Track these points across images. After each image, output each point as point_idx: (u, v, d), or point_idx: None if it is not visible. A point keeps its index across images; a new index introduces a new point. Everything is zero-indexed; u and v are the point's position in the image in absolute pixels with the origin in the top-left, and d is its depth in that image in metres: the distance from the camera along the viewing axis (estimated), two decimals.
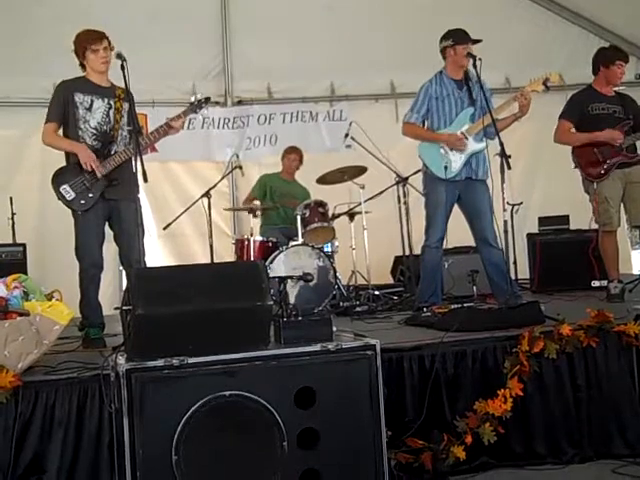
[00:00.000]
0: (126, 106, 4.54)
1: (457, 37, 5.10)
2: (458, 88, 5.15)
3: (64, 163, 4.56)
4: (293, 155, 7.23)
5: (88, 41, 4.43)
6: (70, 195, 4.41)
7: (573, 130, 5.56)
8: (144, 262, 4.17)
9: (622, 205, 5.49)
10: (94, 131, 4.49)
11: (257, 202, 7.02)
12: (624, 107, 5.49)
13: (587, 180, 5.51)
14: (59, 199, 4.44)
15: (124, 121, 4.56)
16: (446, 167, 5.05)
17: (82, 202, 4.41)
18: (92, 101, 4.49)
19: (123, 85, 4.24)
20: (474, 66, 4.83)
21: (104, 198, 4.46)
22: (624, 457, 3.69)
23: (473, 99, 5.09)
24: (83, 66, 4.56)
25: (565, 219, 6.84)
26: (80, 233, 4.46)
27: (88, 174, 4.41)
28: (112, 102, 4.53)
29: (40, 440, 3.20)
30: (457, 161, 5.07)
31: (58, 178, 4.46)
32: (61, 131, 4.55)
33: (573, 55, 7.70)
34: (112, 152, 4.49)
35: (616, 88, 5.64)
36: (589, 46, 7.29)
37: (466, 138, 5.05)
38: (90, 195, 4.42)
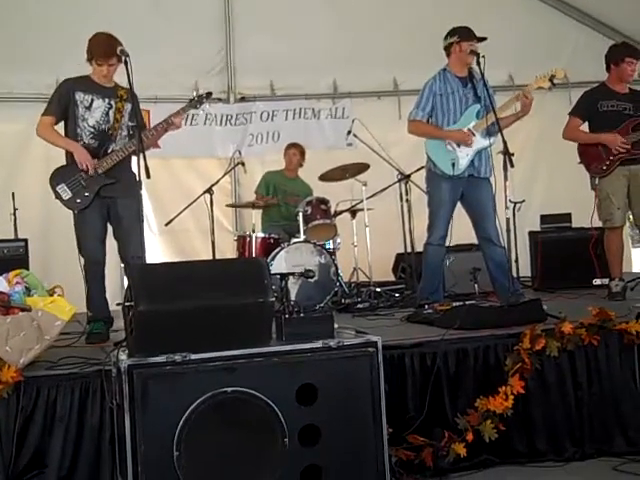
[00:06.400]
0: (128, 107, 4.55)
1: (463, 33, 5.10)
2: (462, 85, 5.14)
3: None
4: (293, 150, 7.18)
5: (96, 53, 4.44)
6: (67, 194, 4.44)
7: (583, 127, 5.54)
8: (144, 258, 4.17)
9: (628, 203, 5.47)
10: (92, 129, 4.50)
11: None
12: (635, 104, 5.45)
13: (592, 177, 5.50)
14: (56, 198, 4.47)
15: (124, 121, 4.57)
16: (453, 164, 5.04)
17: (78, 201, 4.44)
18: (92, 100, 4.50)
19: (126, 81, 4.24)
20: (477, 63, 4.81)
21: (100, 196, 4.47)
22: (625, 455, 3.70)
23: (478, 96, 5.09)
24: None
25: (567, 217, 6.83)
26: (79, 231, 4.50)
27: (85, 173, 4.43)
28: (113, 102, 4.54)
29: (41, 435, 3.21)
30: (464, 158, 5.06)
31: (56, 177, 4.49)
32: (62, 130, 4.56)
33: (577, 53, 7.67)
34: (109, 151, 4.51)
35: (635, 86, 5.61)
36: (593, 44, 7.26)
37: (473, 135, 5.05)
38: (86, 194, 4.44)
